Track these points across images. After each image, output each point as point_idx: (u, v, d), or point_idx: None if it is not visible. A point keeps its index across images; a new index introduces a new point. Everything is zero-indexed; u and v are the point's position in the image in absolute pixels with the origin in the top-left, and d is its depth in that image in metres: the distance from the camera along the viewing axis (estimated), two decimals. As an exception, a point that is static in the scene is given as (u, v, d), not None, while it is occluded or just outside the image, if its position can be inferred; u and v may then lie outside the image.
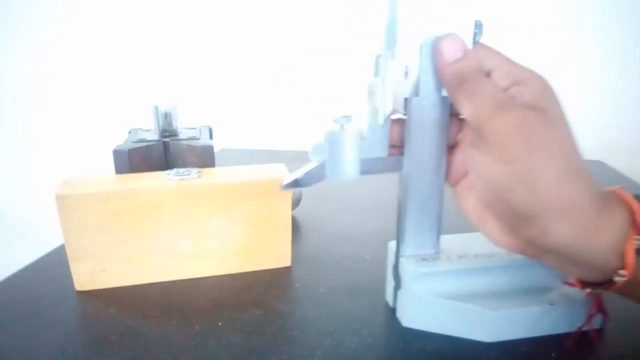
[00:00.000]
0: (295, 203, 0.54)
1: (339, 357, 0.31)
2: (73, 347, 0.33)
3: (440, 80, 0.29)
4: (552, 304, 0.32)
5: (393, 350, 0.32)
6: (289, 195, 0.42)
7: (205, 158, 0.45)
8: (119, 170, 0.43)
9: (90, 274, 0.39)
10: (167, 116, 0.48)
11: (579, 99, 0.83)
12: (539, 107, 0.26)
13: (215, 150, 0.45)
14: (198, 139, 0.47)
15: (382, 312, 0.36)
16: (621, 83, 0.81)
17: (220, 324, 0.35)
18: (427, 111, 0.31)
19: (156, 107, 0.47)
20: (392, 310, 0.36)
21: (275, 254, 0.43)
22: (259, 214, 0.41)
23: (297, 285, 0.41)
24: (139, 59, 0.93)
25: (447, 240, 0.36)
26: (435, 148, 0.32)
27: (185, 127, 0.51)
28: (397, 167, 0.33)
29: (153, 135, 0.47)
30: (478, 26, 0.31)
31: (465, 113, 0.28)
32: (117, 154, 0.43)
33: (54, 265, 0.44)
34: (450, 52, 0.28)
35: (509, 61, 0.29)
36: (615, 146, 0.83)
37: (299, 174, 0.31)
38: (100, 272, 0.39)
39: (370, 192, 0.62)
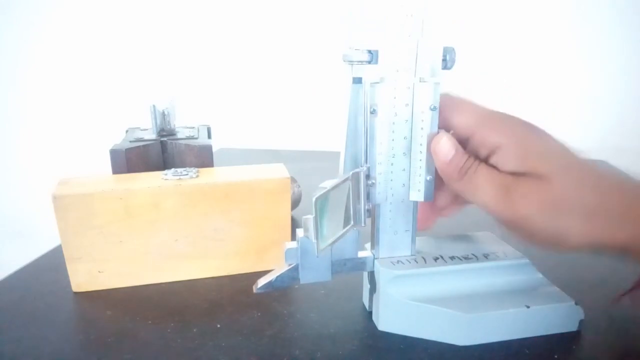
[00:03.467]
0: (295, 203, 0.54)
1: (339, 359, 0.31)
2: (70, 348, 0.32)
3: (443, 176, 0.31)
4: (528, 307, 0.31)
5: (392, 353, 0.31)
6: (288, 195, 0.41)
7: (203, 158, 0.44)
8: (116, 169, 0.43)
9: (87, 275, 0.39)
10: (164, 115, 0.47)
11: (583, 98, 0.83)
12: (530, 173, 0.28)
13: (214, 149, 0.45)
14: (196, 138, 0.46)
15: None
16: (625, 83, 0.81)
17: (218, 325, 0.34)
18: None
19: (154, 106, 0.47)
20: None
21: (274, 255, 0.42)
22: (258, 215, 0.41)
23: (296, 286, 0.40)
24: (136, 57, 0.92)
25: (423, 242, 0.36)
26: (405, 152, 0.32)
27: (183, 126, 0.51)
28: (367, 267, 0.34)
29: (151, 135, 0.47)
30: (449, 51, 0.30)
31: (473, 202, 0.30)
32: (114, 153, 0.42)
33: (51, 266, 0.43)
34: (445, 151, 0.30)
35: (478, 123, 0.30)
36: (620, 146, 0.82)
37: (272, 276, 0.32)
38: (97, 273, 0.39)
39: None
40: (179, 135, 0.47)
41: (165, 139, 0.46)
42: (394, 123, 0.31)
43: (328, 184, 0.27)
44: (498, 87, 0.84)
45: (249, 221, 0.41)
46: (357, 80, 0.30)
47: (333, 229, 0.28)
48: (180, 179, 0.39)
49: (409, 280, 0.33)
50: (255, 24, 0.90)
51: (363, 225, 0.31)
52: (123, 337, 0.33)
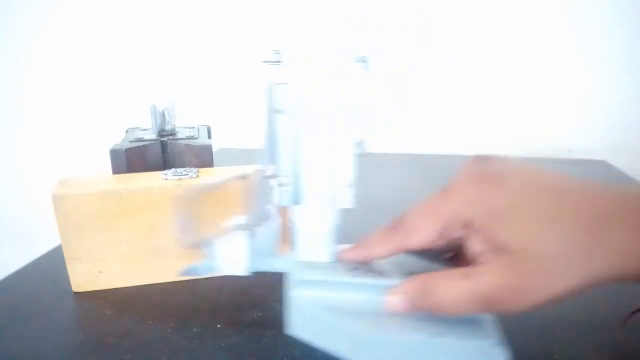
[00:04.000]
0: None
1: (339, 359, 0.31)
2: (69, 348, 0.32)
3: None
4: (436, 337, 0.28)
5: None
6: None
7: (203, 158, 0.44)
8: (116, 169, 0.43)
9: (87, 275, 0.39)
10: (164, 115, 0.47)
11: (583, 98, 0.83)
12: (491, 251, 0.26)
13: (214, 149, 0.45)
14: (196, 138, 0.46)
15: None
16: (625, 83, 0.81)
17: (218, 325, 0.34)
18: None
19: (154, 106, 0.47)
20: None
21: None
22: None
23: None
24: (136, 57, 0.92)
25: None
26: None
27: (183, 126, 0.51)
28: (288, 267, 0.33)
29: (150, 135, 0.47)
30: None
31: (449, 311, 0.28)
32: (114, 153, 0.42)
33: (51, 266, 0.43)
34: (395, 309, 0.29)
35: (433, 235, 0.28)
36: (620, 146, 0.82)
37: (193, 264, 0.33)
38: (97, 273, 0.39)
39: (372, 191, 0.61)
40: (179, 135, 0.47)
41: (165, 139, 0.46)
42: (307, 125, 0.30)
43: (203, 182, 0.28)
44: (498, 87, 0.84)
45: None
46: (272, 81, 0.30)
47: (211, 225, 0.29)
48: (180, 179, 0.39)
49: (314, 286, 0.31)
50: (255, 23, 0.90)
51: (264, 224, 0.32)
52: (123, 337, 0.33)
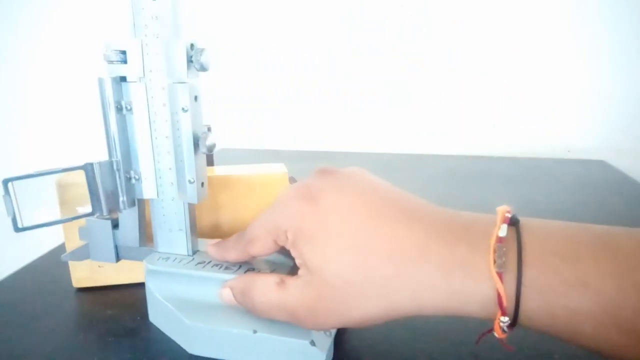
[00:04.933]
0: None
1: (339, 359, 0.31)
2: (69, 348, 0.32)
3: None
4: (255, 331, 0.29)
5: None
6: None
7: (203, 157, 0.44)
8: (116, 169, 0.43)
9: (87, 270, 0.39)
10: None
11: (583, 99, 0.83)
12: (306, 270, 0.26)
13: (214, 150, 0.45)
14: (197, 138, 0.46)
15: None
16: (625, 83, 0.81)
17: (218, 325, 0.34)
18: None
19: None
20: None
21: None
22: (257, 211, 0.41)
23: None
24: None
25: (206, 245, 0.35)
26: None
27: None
28: (144, 257, 0.35)
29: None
30: (198, 53, 0.32)
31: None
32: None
33: (51, 266, 0.43)
34: (226, 295, 0.30)
35: (270, 244, 0.29)
36: (619, 146, 0.82)
37: (72, 250, 0.36)
38: (97, 268, 0.39)
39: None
40: (179, 135, 0.47)
41: (165, 138, 0.46)
42: (154, 122, 0.32)
43: (38, 170, 0.31)
44: (498, 87, 0.84)
45: (247, 217, 0.41)
46: (117, 79, 0.31)
47: (48, 211, 0.32)
48: None
49: (163, 277, 0.33)
50: (255, 23, 0.90)
51: (110, 215, 0.33)
52: (123, 337, 0.33)
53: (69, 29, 0.92)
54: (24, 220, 0.30)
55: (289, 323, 0.27)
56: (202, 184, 0.32)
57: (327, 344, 0.29)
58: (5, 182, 0.29)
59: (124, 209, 0.33)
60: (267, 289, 0.27)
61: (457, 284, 0.23)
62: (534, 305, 0.22)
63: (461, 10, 0.82)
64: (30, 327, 0.35)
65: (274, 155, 0.86)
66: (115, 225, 0.35)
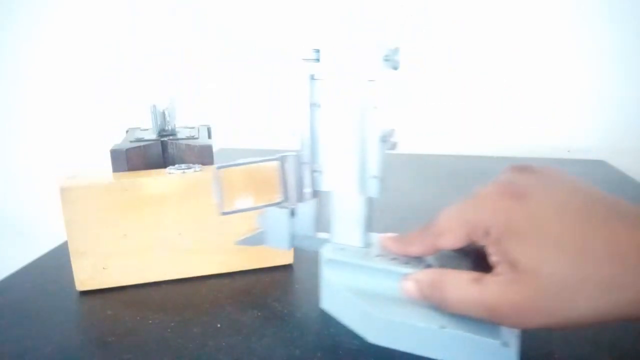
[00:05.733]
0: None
1: (339, 359, 0.31)
2: (69, 348, 0.32)
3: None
4: (442, 327, 0.29)
5: (393, 352, 0.31)
6: None
7: (204, 158, 0.44)
8: (117, 169, 0.43)
9: (91, 271, 0.39)
10: (165, 115, 0.47)
11: (583, 99, 0.83)
12: (503, 263, 0.26)
13: (214, 150, 0.45)
14: (197, 138, 0.46)
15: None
16: (625, 83, 0.81)
17: (219, 325, 0.35)
18: None
19: (154, 106, 0.47)
20: None
21: (277, 251, 0.42)
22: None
23: (296, 286, 0.40)
24: (137, 57, 0.92)
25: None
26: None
27: (184, 126, 0.51)
28: (318, 246, 0.36)
29: (151, 135, 0.47)
30: (393, 52, 0.32)
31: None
32: (114, 153, 0.42)
33: (52, 266, 0.43)
34: (410, 295, 0.30)
35: (463, 237, 0.29)
36: (620, 146, 0.82)
37: (246, 236, 0.39)
38: (101, 270, 0.39)
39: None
40: (180, 135, 0.47)
41: (165, 139, 0.46)
42: (342, 118, 0.33)
43: (242, 160, 0.34)
44: (498, 87, 0.84)
45: (252, 214, 0.41)
46: (310, 77, 0.33)
47: (247, 198, 0.35)
48: (184, 172, 0.40)
49: (341, 267, 0.34)
50: (255, 24, 0.90)
51: (295, 204, 0.36)
52: (123, 337, 0.33)
53: (69, 29, 0.92)
54: (226, 206, 0.33)
55: (479, 320, 0.27)
56: (382, 179, 0.33)
57: (517, 345, 0.28)
58: (217, 168, 0.32)
59: (307, 199, 0.35)
60: (462, 284, 0.27)
61: None
62: None
63: (461, 10, 0.82)
64: (30, 327, 0.35)
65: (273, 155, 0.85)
66: (292, 214, 0.37)
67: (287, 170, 0.35)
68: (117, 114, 0.87)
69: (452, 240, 0.29)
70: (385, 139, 0.32)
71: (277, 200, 0.36)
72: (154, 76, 0.91)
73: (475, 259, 0.30)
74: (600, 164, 0.79)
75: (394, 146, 0.32)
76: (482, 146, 0.87)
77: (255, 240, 0.39)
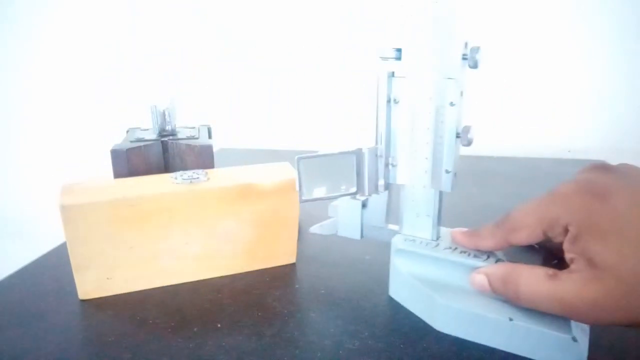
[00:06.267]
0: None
1: (339, 359, 0.31)
2: (69, 348, 0.32)
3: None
4: (510, 319, 0.30)
5: (392, 352, 0.31)
6: (296, 194, 0.42)
7: (204, 158, 0.44)
8: (117, 170, 0.42)
9: (95, 282, 0.38)
10: (165, 115, 0.47)
11: (583, 98, 0.83)
12: (581, 260, 0.26)
13: (214, 150, 0.45)
14: (197, 138, 0.46)
15: (382, 314, 0.36)
16: (625, 83, 0.81)
17: (219, 325, 0.35)
18: None
19: (154, 106, 0.47)
20: (393, 311, 0.36)
21: (281, 252, 0.43)
22: (268, 215, 0.41)
23: (296, 286, 0.40)
24: (137, 57, 0.92)
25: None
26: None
27: (184, 126, 0.51)
28: (388, 237, 0.37)
29: (151, 135, 0.47)
30: (473, 51, 0.33)
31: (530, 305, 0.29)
32: (115, 153, 0.42)
33: (52, 266, 0.43)
34: (479, 288, 0.31)
35: (538, 234, 0.29)
36: (620, 146, 0.82)
37: (320, 224, 0.42)
38: (105, 280, 0.38)
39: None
40: (180, 135, 0.47)
41: (166, 139, 0.46)
42: (418, 114, 0.34)
43: (322, 152, 0.34)
44: (498, 87, 0.84)
45: (259, 221, 0.41)
46: (390, 74, 0.34)
47: (324, 187, 0.35)
48: (191, 182, 0.39)
49: (412, 257, 0.35)
50: (255, 24, 0.90)
51: (366, 195, 0.37)
52: (123, 337, 0.33)
53: (69, 29, 0.92)
54: (306, 194, 0.35)
55: (547, 314, 0.28)
56: (455, 174, 0.34)
57: (586, 341, 0.29)
58: (298, 159, 0.34)
59: (381, 191, 0.37)
60: (536, 279, 0.27)
61: None
62: None
63: (461, 10, 0.82)
64: (30, 327, 0.35)
65: (273, 155, 0.85)
66: (364, 205, 0.38)
67: (362, 163, 0.35)
68: (117, 114, 0.87)
69: (527, 236, 0.29)
70: (461, 135, 0.33)
71: (351, 191, 0.36)
72: (154, 76, 0.91)
73: (543, 256, 0.31)
74: (600, 164, 0.79)
75: (469, 142, 0.33)
76: (482, 146, 0.87)
77: (328, 228, 0.41)
